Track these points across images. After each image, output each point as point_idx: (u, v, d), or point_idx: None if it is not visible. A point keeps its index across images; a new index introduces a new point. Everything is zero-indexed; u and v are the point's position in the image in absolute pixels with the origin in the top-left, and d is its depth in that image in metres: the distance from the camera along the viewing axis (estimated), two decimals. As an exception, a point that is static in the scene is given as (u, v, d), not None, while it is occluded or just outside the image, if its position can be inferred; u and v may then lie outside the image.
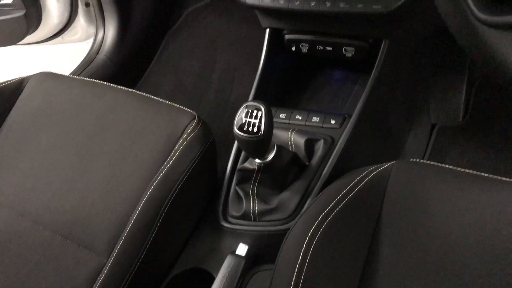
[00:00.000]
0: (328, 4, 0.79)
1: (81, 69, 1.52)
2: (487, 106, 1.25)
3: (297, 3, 0.81)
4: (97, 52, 1.57)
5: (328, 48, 0.95)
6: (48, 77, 1.10)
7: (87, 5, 1.63)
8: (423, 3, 0.75)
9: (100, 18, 1.57)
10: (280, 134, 0.88)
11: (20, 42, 1.67)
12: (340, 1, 0.78)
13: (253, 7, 0.86)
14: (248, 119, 0.70)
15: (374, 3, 0.76)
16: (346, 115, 0.91)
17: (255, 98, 0.96)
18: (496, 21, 0.47)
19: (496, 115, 1.23)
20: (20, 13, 1.51)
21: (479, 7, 0.48)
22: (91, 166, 0.88)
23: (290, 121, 0.92)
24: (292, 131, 0.88)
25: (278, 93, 1.04)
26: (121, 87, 1.02)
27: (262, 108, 0.70)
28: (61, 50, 1.79)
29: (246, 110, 0.71)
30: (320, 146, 0.87)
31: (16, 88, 1.07)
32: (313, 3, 0.80)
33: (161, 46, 1.67)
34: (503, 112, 1.23)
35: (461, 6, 0.48)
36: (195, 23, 1.68)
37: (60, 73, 1.12)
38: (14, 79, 1.09)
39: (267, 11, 0.90)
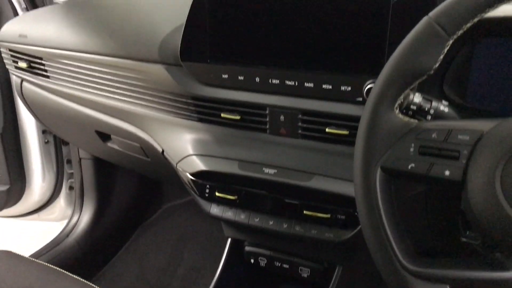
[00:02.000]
0: (285, 226, 0.84)
1: (46, 250, 1.51)
2: None
3: (257, 220, 0.86)
4: (67, 235, 1.58)
5: (285, 266, 0.97)
6: (5, 256, 1.08)
7: (70, 188, 1.70)
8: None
9: (79, 202, 1.63)
10: None
11: (-5, 214, 1.69)
12: (296, 225, 0.83)
13: (216, 218, 0.90)
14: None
15: (327, 231, 0.81)
16: None
17: (207, 307, 0.94)
18: (422, 272, 0.50)
19: None
20: (3, 188, 1.56)
21: (406, 258, 0.51)
22: None
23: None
24: None
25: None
26: (76, 277, 1.00)
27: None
28: (32, 225, 1.79)
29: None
30: None
31: None
32: (271, 222, 0.85)
33: (132, 237, 1.68)
34: None
35: (390, 255, 0.52)
36: (169, 219, 1.73)
37: (19, 254, 1.11)
38: None
39: (230, 223, 0.94)
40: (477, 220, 0.48)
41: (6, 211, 1.67)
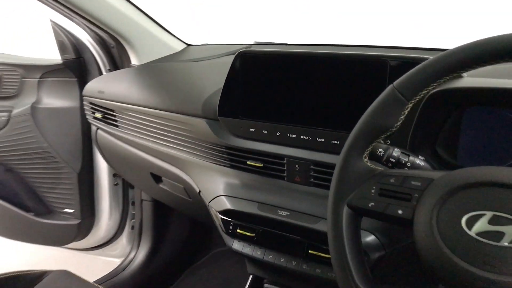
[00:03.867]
0: (293, 263, 0.94)
1: (103, 280, 1.68)
2: None
3: (270, 256, 0.97)
4: (124, 269, 1.75)
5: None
6: (66, 276, 1.26)
7: (132, 227, 1.89)
8: None
9: (137, 240, 1.81)
10: None
11: (65, 246, 1.91)
12: (303, 263, 0.93)
13: (237, 253, 1.02)
14: None
15: (329, 271, 0.90)
16: None
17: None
18: None
19: None
20: (75, 222, 1.79)
21: (362, 282, 0.61)
22: None
23: None
24: None
25: None
26: None
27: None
28: (95, 259, 1.99)
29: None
30: None
31: (36, 277, 1.23)
32: (282, 259, 0.95)
33: (180, 278, 1.82)
34: None
35: (348, 278, 0.61)
36: (216, 264, 1.86)
37: (75, 274, 1.29)
38: (39, 270, 1.27)
39: (250, 260, 1.06)
40: (421, 255, 0.57)
41: (74, 244, 1.88)
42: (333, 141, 0.89)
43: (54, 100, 1.69)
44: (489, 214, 0.53)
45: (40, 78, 1.70)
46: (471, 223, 0.53)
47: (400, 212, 0.59)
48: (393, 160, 0.70)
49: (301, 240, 0.92)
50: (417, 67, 0.63)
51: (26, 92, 1.74)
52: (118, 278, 1.70)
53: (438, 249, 0.54)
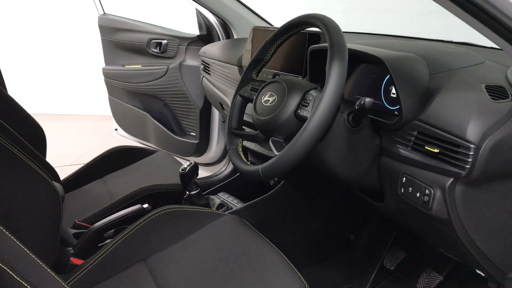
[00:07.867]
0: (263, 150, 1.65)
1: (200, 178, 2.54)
2: None
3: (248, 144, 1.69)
4: (214, 176, 2.58)
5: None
6: (167, 155, 2.16)
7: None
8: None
9: (228, 161, 2.63)
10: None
11: (188, 158, 2.84)
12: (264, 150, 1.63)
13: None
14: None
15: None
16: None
17: None
18: (234, 132, 1.30)
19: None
20: (194, 141, 2.69)
21: (234, 126, 1.31)
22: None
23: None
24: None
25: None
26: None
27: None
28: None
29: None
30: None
31: (150, 152, 2.14)
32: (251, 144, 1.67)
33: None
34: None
35: (229, 127, 1.32)
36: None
37: (169, 153, 2.16)
38: (152, 149, 2.18)
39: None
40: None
41: (194, 159, 2.77)
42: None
43: (192, 60, 2.58)
44: (270, 93, 1.19)
45: (187, 46, 2.62)
46: (265, 98, 1.20)
47: (254, 97, 1.28)
48: None
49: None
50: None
51: (179, 54, 2.68)
52: (206, 180, 2.53)
53: (253, 112, 1.22)
